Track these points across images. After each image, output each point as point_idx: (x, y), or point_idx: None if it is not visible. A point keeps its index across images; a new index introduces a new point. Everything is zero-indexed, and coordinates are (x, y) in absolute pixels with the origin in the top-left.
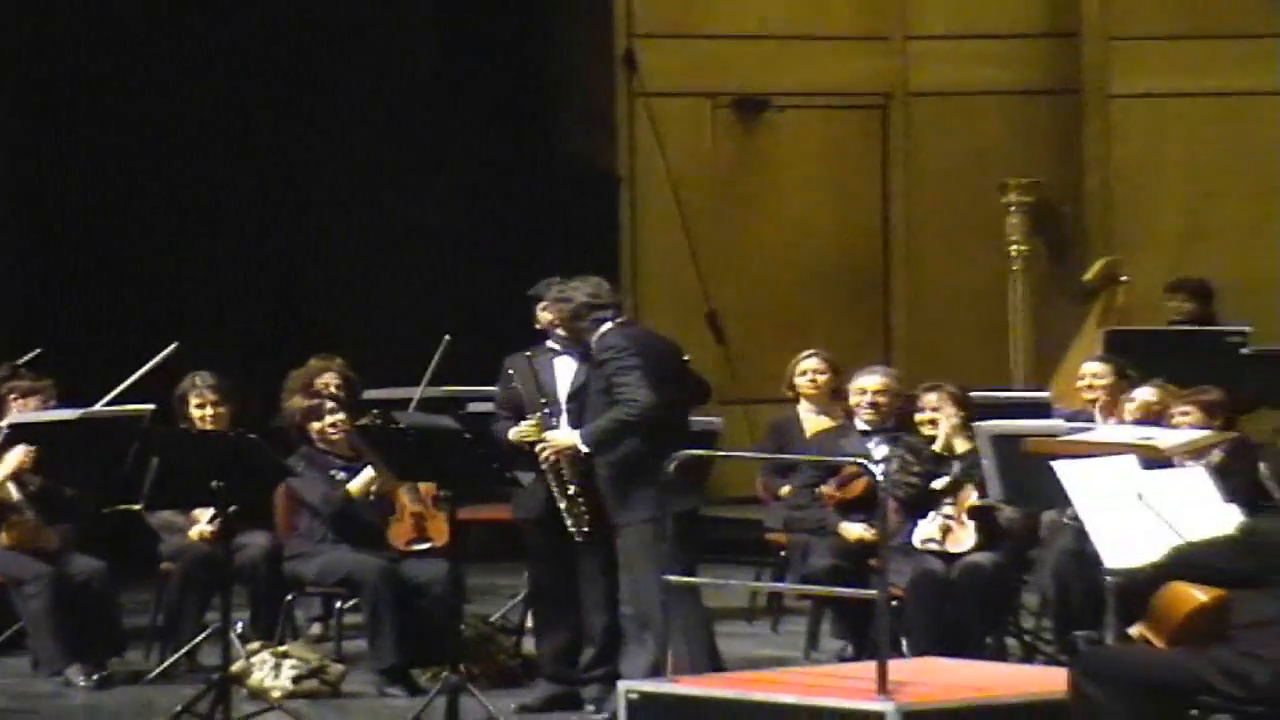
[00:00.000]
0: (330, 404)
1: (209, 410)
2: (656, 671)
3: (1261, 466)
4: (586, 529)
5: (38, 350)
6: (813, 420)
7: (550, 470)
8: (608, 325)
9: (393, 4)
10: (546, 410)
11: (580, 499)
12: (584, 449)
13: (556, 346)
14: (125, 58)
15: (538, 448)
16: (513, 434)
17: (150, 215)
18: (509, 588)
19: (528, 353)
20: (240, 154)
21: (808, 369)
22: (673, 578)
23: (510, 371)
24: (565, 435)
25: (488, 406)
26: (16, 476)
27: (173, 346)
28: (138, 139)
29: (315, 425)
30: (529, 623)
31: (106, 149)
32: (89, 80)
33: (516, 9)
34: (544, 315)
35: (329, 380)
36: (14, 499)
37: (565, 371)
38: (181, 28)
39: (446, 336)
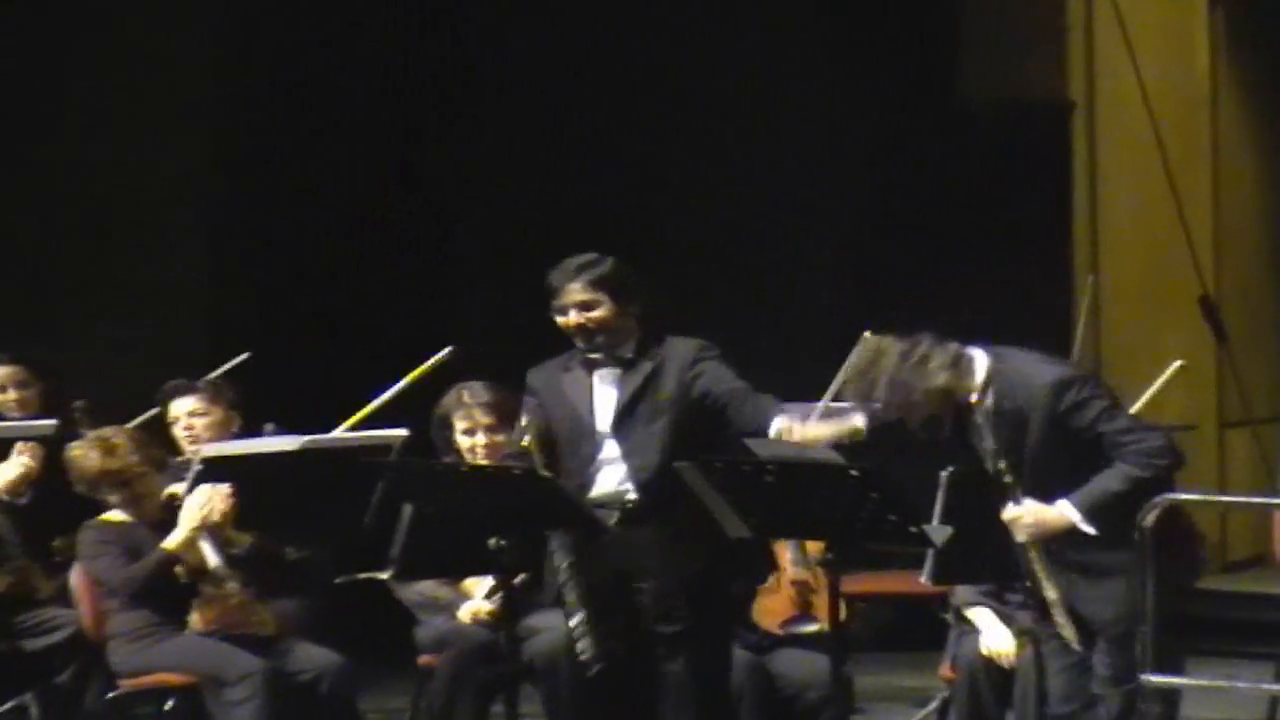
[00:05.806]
0: None
1: (482, 438)
2: None
3: None
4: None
5: (244, 355)
6: None
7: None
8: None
9: None
10: None
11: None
12: (1088, 529)
13: None
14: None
15: (1020, 529)
16: None
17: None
18: (909, 691)
19: None
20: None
21: None
22: (1156, 678)
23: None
24: (1051, 511)
25: None
26: (215, 532)
27: (446, 351)
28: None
29: None
30: None
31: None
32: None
33: None
34: None
35: None
36: (211, 564)
37: None
38: None
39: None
